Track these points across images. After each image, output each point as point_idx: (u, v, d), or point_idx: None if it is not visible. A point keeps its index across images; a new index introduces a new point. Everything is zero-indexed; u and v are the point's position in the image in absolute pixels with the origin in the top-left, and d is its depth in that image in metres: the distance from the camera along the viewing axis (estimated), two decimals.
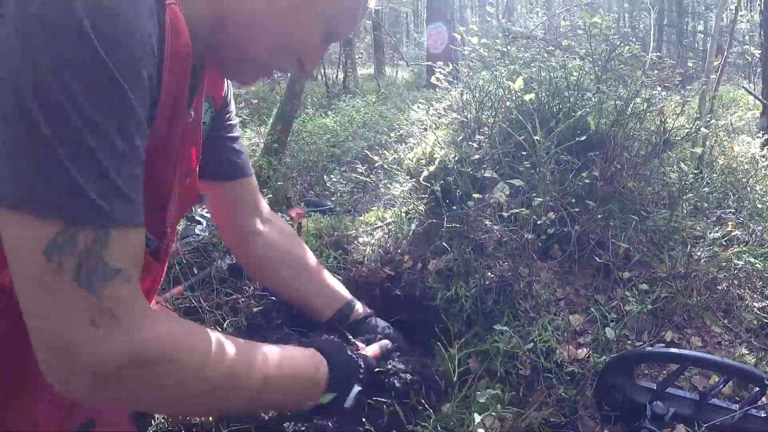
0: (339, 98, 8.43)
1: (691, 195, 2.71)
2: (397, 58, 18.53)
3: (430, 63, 10.62)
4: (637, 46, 2.89)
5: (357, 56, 15.72)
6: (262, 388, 1.36)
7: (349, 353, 1.65)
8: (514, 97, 2.35)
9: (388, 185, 3.24)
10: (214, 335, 1.27)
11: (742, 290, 2.50)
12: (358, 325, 1.99)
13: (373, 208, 3.29)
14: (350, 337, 1.89)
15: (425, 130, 3.07)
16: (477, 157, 2.34)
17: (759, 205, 3.61)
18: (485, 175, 2.29)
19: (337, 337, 1.89)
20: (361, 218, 3.14)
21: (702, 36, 22.38)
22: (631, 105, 2.61)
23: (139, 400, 1.18)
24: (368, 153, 3.79)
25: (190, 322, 1.35)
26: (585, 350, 2.10)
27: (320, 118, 6.42)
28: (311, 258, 2.03)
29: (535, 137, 2.23)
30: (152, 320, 1.10)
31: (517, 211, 2.15)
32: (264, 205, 1.98)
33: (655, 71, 3.49)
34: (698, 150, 3.38)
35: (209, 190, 1.83)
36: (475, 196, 2.21)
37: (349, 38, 13.55)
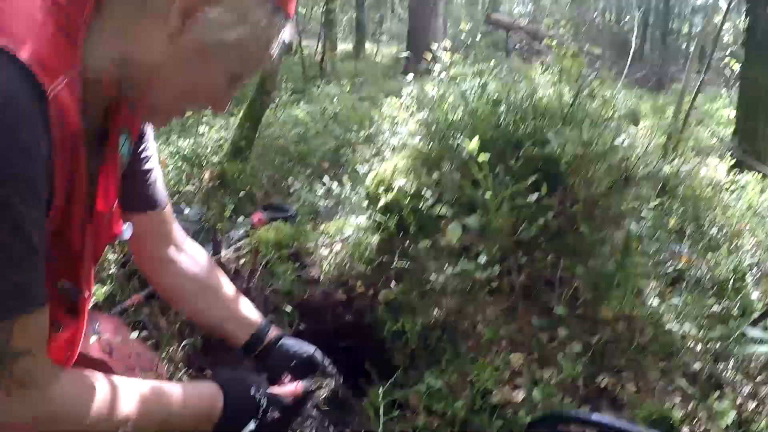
0: (314, 82, 8.38)
1: (647, 232, 2.77)
2: (379, 33, 18.37)
3: (409, 52, 10.66)
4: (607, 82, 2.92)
5: (338, 31, 15.61)
6: (162, 424, 1.49)
7: (251, 392, 1.70)
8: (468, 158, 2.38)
9: (351, 197, 3.29)
10: (117, 386, 1.41)
11: (685, 329, 2.58)
12: (269, 350, 1.99)
13: (336, 218, 3.32)
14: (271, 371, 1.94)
15: (389, 144, 3.10)
16: (428, 196, 2.38)
17: (716, 235, 3.70)
18: (439, 213, 2.34)
19: (254, 367, 1.96)
20: (322, 227, 3.17)
21: (687, 38, 22.45)
22: (594, 144, 2.65)
23: None
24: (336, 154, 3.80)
25: (96, 375, 1.43)
26: (521, 393, 2.17)
27: (293, 106, 6.40)
28: (226, 286, 2.02)
29: (485, 197, 2.27)
30: (57, 384, 1.27)
31: (467, 266, 2.21)
32: (178, 234, 1.97)
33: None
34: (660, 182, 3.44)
35: (123, 219, 1.83)
36: (426, 244, 2.26)
37: (330, 20, 13.46)
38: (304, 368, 1.95)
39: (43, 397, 1.24)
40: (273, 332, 2.01)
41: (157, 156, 1.81)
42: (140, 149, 1.71)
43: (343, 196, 3.29)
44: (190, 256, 1.97)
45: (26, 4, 1.12)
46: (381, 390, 1.97)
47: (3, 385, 1.17)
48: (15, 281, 1.12)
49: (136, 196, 1.76)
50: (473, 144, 2.28)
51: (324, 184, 3.58)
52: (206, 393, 1.63)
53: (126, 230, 1.71)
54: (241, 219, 3.48)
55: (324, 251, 2.88)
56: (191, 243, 2.00)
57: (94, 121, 1.35)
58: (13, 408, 1.20)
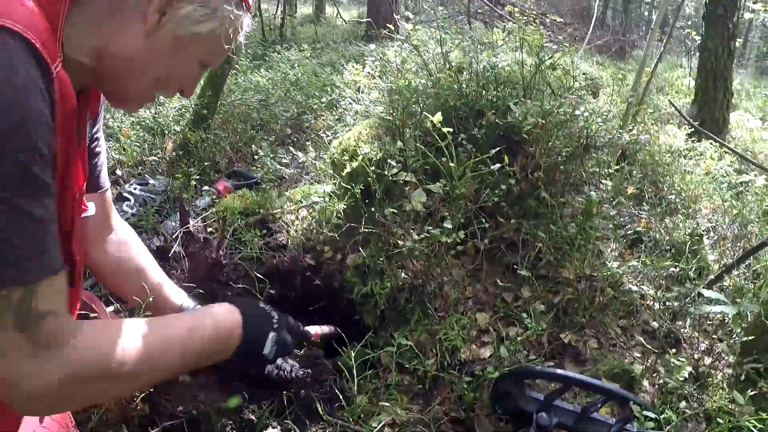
0: (275, 47, 8.29)
1: (607, 197, 2.83)
2: None
3: (369, 19, 10.56)
4: (569, 53, 2.96)
5: None
6: (181, 359, 1.51)
7: (261, 305, 1.80)
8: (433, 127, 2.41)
9: (315, 163, 3.30)
10: (132, 325, 1.43)
11: (644, 289, 2.66)
12: None
13: (300, 185, 3.33)
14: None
15: (355, 107, 3.11)
16: (394, 163, 2.41)
17: (674, 200, 3.80)
18: (404, 179, 2.37)
19: None
20: (287, 194, 3.18)
21: (649, 7, 22.60)
22: (555, 113, 2.70)
23: (80, 404, 1.44)
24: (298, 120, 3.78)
25: (110, 322, 1.47)
26: (488, 350, 2.23)
27: (253, 73, 6.33)
28: (152, 270, 2.07)
29: (451, 164, 2.31)
30: (80, 340, 1.28)
31: (431, 230, 2.25)
32: (115, 217, 2.02)
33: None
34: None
35: None
36: (390, 210, 2.30)
37: None
38: None
39: (69, 352, 1.25)
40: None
41: (104, 139, 1.86)
42: (95, 129, 1.76)
43: (307, 163, 3.30)
44: (122, 239, 2.01)
45: None
46: (353, 351, 2.01)
47: (29, 348, 1.18)
48: (38, 245, 1.15)
49: (89, 178, 1.78)
50: (437, 117, 2.32)
51: (288, 151, 3.58)
52: (224, 309, 1.68)
53: (90, 208, 1.77)
54: (206, 188, 3.48)
55: (290, 217, 2.90)
56: (125, 227, 2.05)
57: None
58: (39, 370, 1.20)
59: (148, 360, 1.41)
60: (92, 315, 2.01)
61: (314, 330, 2.06)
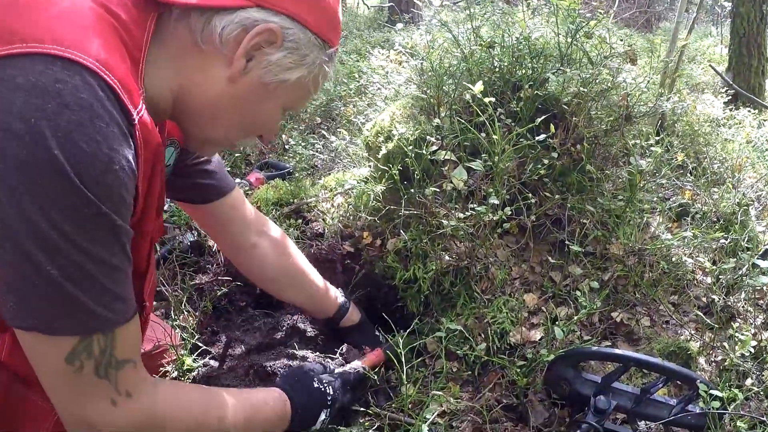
0: None
1: (650, 168, 2.73)
2: None
3: (391, 4, 10.47)
4: (604, 19, 2.85)
5: None
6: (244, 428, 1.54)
7: (315, 385, 1.77)
8: (474, 101, 2.33)
9: (348, 149, 3.23)
10: (202, 394, 1.49)
11: (693, 262, 2.56)
12: (351, 331, 2.21)
13: (334, 172, 3.27)
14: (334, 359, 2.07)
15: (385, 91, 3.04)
16: (433, 140, 2.34)
17: (717, 170, 3.67)
18: (444, 158, 2.30)
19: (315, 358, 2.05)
20: (321, 182, 3.12)
21: None
22: (594, 82, 2.61)
23: None
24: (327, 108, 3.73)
25: (187, 385, 1.60)
26: (538, 333, 2.15)
27: None
28: (303, 265, 2.13)
29: (494, 137, 2.23)
30: (156, 393, 1.31)
31: (475, 207, 2.18)
32: (253, 216, 2.05)
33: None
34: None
35: (194, 212, 2.01)
36: (431, 189, 2.23)
37: None
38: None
39: (147, 406, 1.28)
40: (354, 314, 2.21)
41: None
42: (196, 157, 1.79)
43: (340, 148, 3.24)
44: (272, 239, 2.06)
45: (74, 9, 1.09)
46: (400, 339, 1.94)
47: (109, 396, 1.20)
48: (117, 291, 1.15)
49: (197, 187, 1.85)
50: (478, 87, 2.23)
51: (321, 138, 3.52)
52: (274, 399, 1.68)
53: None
54: (238, 180, 3.43)
55: (325, 205, 2.83)
56: (272, 226, 2.10)
57: None
58: (118, 419, 1.22)
59: (216, 425, 1.45)
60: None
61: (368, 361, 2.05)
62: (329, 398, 1.77)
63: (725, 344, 2.16)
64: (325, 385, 1.78)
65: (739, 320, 2.34)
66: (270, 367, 1.95)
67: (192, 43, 1.22)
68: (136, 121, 1.10)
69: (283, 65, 1.27)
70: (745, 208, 3.09)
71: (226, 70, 1.24)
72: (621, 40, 2.98)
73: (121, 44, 1.13)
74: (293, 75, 1.29)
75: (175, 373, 1.92)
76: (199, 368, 1.98)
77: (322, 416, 1.75)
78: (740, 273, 2.45)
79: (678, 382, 1.93)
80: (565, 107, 2.55)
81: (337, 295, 2.19)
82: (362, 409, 1.90)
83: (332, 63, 1.39)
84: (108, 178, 1.04)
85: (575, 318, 2.12)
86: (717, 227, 2.90)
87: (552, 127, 2.42)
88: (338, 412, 1.83)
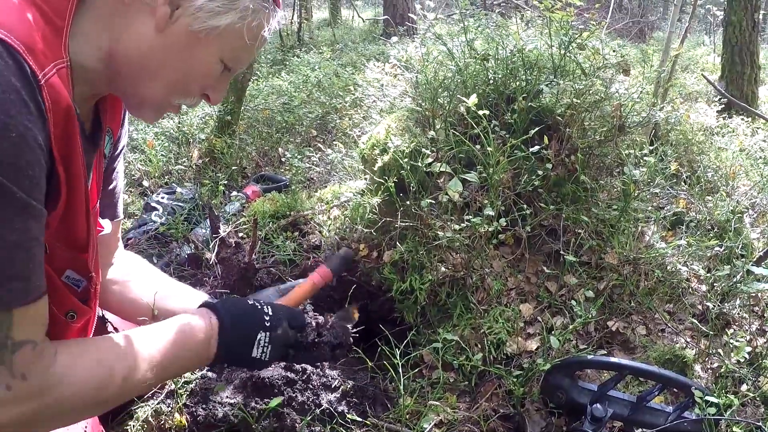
0: (293, 51, 8.28)
1: (644, 178, 2.75)
2: None
3: (386, 16, 10.54)
4: (595, 31, 2.88)
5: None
6: (153, 377, 1.42)
7: (250, 302, 1.63)
8: (468, 113, 2.35)
9: (343, 161, 3.25)
10: (105, 345, 1.36)
11: (688, 270, 2.58)
12: None
13: (330, 184, 3.29)
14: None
15: (380, 104, 3.06)
16: (429, 152, 2.36)
17: (711, 178, 3.70)
18: (439, 170, 2.31)
19: None
20: (317, 195, 3.14)
21: None
22: (587, 94, 2.63)
23: (53, 428, 1.34)
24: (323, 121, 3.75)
25: (86, 343, 1.41)
26: (534, 342, 2.17)
27: (274, 77, 6.32)
28: (160, 282, 1.92)
29: (489, 148, 2.25)
30: (53, 370, 1.22)
31: (470, 219, 2.20)
32: (119, 251, 1.89)
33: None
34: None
35: None
36: (427, 201, 2.24)
37: None
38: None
39: (42, 388, 1.20)
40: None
41: (122, 170, 1.77)
42: (116, 153, 1.67)
43: (336, 161, 3.26)
44: (125, 272, 1.87)
45: None
46: (398, 350, 1.95)
47: (3, 381, 1.13)
48: (14, 270, 1.09)
49: (104, 203, 1.69)
50: (473, 99, 2.25)
51: (317, 151, 3.54)
52: (199, 317, 1.54)
53: (105, 227, 1.69)
54: (234, 193, 3.45)
55: (322, 217, 2.85)
56: (129, 258, 1.93)
57: (85, 116, 1.34)
58: (12, 403, 1.16)
59: (121, 383, 1.34)
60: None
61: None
62: (267, 318, 1.60)
63: (720, 351, 2.17)
64: (263, 304, 1.63)
65: (734, 327, 2.36)
66: (268, 379, 1.95)
67: (116, 2, 1.19)
68: (42, 82, 1.06)
69: (210, 10, 1.22)
70: (739, 215, 3.11)
71: (151, 20, 1.20)
72: (614, 51, 2.99)
73: (37, 12, 1.10)
74: (222, 21, 1.24)
75: (173, 386, 1.92)
76: (197, 380, 1.98)
77: (261, 337, 1.57)
78: (735, 280, 2.46)
79: (674, 389, 1.94)
80: (559, 118, 2.57)
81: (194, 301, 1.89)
82: (359, 419, 1.89)
83: (271, 12, 1.32)
84: (4, 149, 1.00)
85: (571, 327, 2.13)
86: (711, 235, 2.92)
87: (546, 138, 2.44)
88: (284, 350, 1.65)
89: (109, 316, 1.90)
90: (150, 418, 1.84)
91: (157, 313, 1.75)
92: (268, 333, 1.59)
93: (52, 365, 1.22)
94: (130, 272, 1.88)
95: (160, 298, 1.81)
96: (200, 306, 1.63)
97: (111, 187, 1.71)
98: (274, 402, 1.79)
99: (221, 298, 1.67)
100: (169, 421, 1.87)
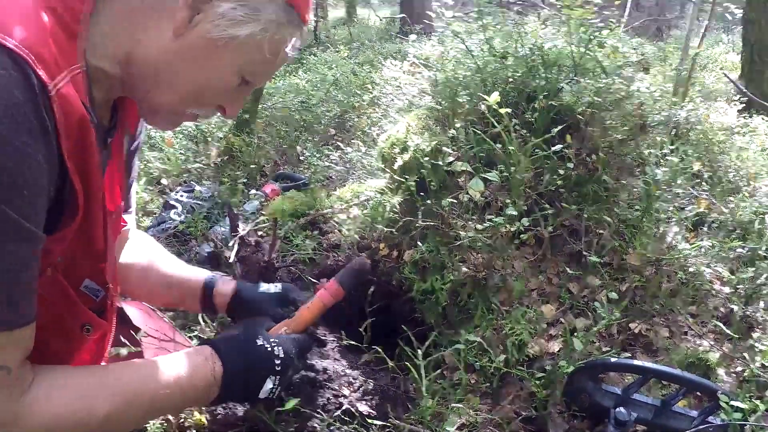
0: (310, 50, 8.27)
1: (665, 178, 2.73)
2: None
3: (403, 15, 10.54)
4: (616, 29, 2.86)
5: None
6: (142, 419, 1.44)
7: (260, 343, 1.56)
8: (489, 111, 2.33)
9: (362, 160, 3.25)
10: (87, 388, 1.30)
11: (711, 272, 2.55)
12: (234, 303, 1.89)
13: (349, 183, 3.29)
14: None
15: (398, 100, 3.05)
16: (450, 151, 2.34)
17: (733, 178, 3.66)
18: (459, 169, 2.30)
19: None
20: (337, 193, 3.13)
21: None
22: (608, 92, 2.61)
23: None
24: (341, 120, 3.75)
25: (72, 374, 1.34)
26: (557, 344, 2.15)
27: (291, 76, 6.33)
28: (159, 258, 1.90)
29: (510, 147, 2.23)
30: (25, 401, 1.18)
31: (492, 218, 2.18)
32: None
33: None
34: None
35: None
36: (448, 201, 2.23)
37: None
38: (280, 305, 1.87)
39: (9, 415, 1.16)
40: (226, 284, 1.91)
41: (138, 163, 1.74)
42: (132, 149, 1.64)
43: (355, 159, 3.25)
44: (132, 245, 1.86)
45: None
46: (420, 351, 1.93)
47: None
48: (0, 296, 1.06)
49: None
50: (494, 97, 2.23)
51: (336, 150, 3.54)
52: (202, 364, 1.47)
53: (128, 222, 1.68)
54: (253, 192, 3.45)
55: (341, 216, 2.85)
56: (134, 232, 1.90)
57: (101, 119, 1.31)
58: None
59: (102, 420, 1.28)
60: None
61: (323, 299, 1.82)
62: (278, 362, 1.55)
63: (745, 355, 2.14)
64: (273, 344, 1.57)
65: (758, 330, 2.33)
66: None
67: (134, 4, 1.16)
68: (53, 93, 1.03)
69: (232, 18, 1.17)
70: (761, 216, 3.07)
71: (170, 24, 1.16)
72: (634, 49, 2.96)
73: (52, 16, 1.07)
74: (243, 31, 1.19)
75: None
76: None
77: (269, 384, 1.53)
78: (759, 282, 2.43)
79: (698, 393, 1.91)
80: (580, 117, 2.55)
81: (197, 276, 1.92)
82: (380, 421, 1.88)
83: (296, 29, 1.27)
84: (10, 180, 0.98)
85: (594, 329, 2.11)
86: (734, 236, 2.89)
87: (567, 137, 2.42)
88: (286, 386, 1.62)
89: (129, 311, 1.89)
90: (170, 416, 1.84)
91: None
92: (278, 377, 1.55)
93: (24, 394, 1.18)
94: (151, 254, 1.88)
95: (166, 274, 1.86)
96: (205, 343, 1.57)
97: (127, 182, 1.69)
98: (293, 401, 1.77)
99: (230, 326, 1.62)
100: (189, 420, 1.87)
